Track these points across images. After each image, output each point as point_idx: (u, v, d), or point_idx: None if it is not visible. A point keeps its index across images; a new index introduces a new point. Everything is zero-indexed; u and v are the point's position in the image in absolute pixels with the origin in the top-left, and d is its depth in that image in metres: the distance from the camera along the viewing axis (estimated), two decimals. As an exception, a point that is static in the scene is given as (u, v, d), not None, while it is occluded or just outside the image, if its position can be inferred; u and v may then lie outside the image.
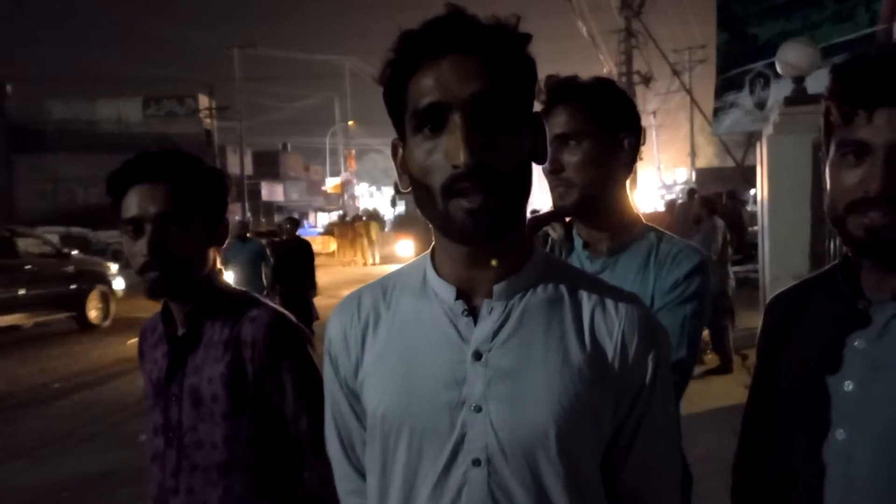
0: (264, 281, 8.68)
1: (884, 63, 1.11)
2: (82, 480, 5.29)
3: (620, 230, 1.73)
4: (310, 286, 8.95)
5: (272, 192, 47.06)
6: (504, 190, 0.99)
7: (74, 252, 13.30)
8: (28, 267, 11.64)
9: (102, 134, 36.51)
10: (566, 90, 1.70)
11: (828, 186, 1.19)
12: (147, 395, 1.69)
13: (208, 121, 39.71)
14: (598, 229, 1.74)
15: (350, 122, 53.93)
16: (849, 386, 1.15)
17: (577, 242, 1.78)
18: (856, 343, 1.17)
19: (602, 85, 1.74)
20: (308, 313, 8.40)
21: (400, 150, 1.09)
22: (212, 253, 1.66)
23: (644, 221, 1.78)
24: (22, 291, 11.35)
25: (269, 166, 48.74)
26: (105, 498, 4.98)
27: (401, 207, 24.72)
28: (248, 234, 9.40)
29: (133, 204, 1.56)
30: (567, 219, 1.82)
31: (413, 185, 1.06)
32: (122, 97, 40.79)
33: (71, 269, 12.41)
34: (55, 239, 14.39)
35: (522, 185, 1.03)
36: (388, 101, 1.07)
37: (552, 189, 1.72)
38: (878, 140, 1.10)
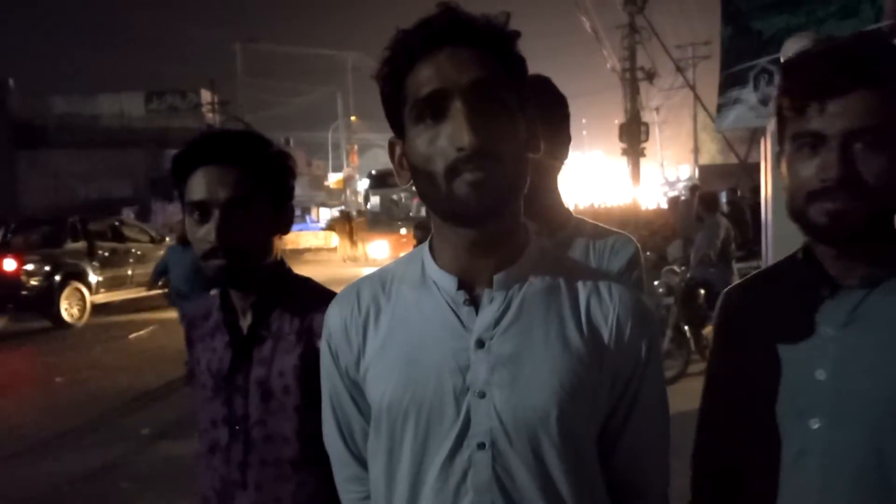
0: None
1: (831, 55, 1.15)
2: (85, 474, 5.31)
3: (555, 229, 1.72)
4: None
5: (274, 187, 46.95)
6: (505, 170, 1.04)
7: (167, 239, 14.39)
8: (134, 250, 14.06)
9: (104, 129, 36.52)
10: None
11: (786, 181, 1.21)
12: (203, 386, 1.63)
13: (211, 115, 39.71)
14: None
15: (353, 118, 54.00)
16: (821, 375, 1.16)
17: None
18: (825, 331, 1.18)
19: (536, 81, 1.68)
20: None
21: (398, 148, 1.13)
22: (277, 241, 1.62)
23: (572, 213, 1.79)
24: (130, 272, 13.76)
25: (271, 162, 48.56)
26: (106, 491, 5.00)
27: (375, 203, 21.33)
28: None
29: (200, 187, 1.50)
30: None
31: (415, 175, 1.09)
32: (123, 92, 40.79)
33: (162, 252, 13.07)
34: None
35: (521, 170, 1.08)
36: (386, 97, 1.10)
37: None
38: (832, 129, 1.12)
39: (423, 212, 18.46)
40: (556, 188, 1.76)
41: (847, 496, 1.13)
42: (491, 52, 1.05)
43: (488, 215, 1.05)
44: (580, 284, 1.15)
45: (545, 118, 1.68)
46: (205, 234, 1.50)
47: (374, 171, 22.03)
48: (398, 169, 1.14)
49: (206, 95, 40.05)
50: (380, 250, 20.26)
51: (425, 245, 1.18)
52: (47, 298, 12.04)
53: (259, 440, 1.54)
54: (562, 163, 1.75)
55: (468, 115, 1.01)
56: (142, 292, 13.65)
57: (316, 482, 1.50)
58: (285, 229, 1.63)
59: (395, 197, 20.72)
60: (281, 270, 1.63)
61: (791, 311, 1.24)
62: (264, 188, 1.55)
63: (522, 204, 1.12)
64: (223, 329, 1.61)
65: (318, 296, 1.58)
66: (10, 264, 11.81)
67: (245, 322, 1.60)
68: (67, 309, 12.33)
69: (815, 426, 1.15)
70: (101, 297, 13.25)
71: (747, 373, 1.26)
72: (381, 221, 20.72)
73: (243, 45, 39.15)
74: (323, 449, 1.49)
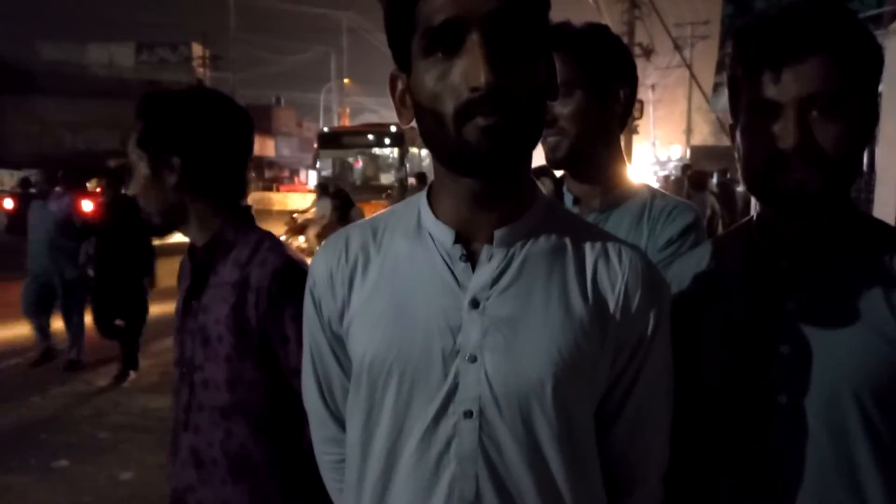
0: (81, 261, 6.59)
1: (785, 19, 1.12)
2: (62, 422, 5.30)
3: (613, 185, 1.67)
4: (142, 274, 6.32)
5: (263, 146, 46.64)
6: (522, 115, 0.93)
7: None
8: None
9: (92, 79, 35.95)
10: (558, 37, 1.59)
11: (741, 151, 1.18)
12: (173, 328, 1.71)
13: (201, 70, 39.19)
14: (590, 183, 1.68)
15: (346, 80, 53.38)
16: (785, 349, 1.14)
17: (567, 198, 1.72)
18: (786, 305, 1.15)
19: (595, 31, 1.66)
20: (137, 314, 6.34)
21: (400, 83, 1.02)
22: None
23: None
24: None
25: (261, 120, 48.24)
26: (85, 437, 4.99)
27: (326, 166, 18.05)
28: (57, 189, 6.88)
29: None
30: (558, 174, 1.76)
31: (419, 115, 0.98)
32: (113, 42, 40.17)
33: None
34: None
35: (538, 115, 0.97)
36: (391, 23, 0.98)
37: (543, 141, 1.64)
38: (787, 97, 1.10)
39: (384, 179, 17.10)
40: (619, 147, 1.71)
41: (812, 471, 1.11)
42: None
43: (499, 165, 0.94)
44: (588, 246, 1.05)
45: (622, 74, 1.64)
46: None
47: (325, 129, 19.97)
48: (399, 107, 1.03)
49: (197, 49, 39.49)
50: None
51: (423, 193, 1.09)
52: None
53: (199, 384, 1.56)
54: (627, 120, 1.70)
55: (486, 50, 0.89)
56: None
57: (242, 431, 1.52)
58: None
59: (349, 160, 18.06)
60: (241, 218, 1.65)
61: (750, 284, 1.21)
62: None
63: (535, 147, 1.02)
64: (188, 272, 1.66)
65: (265, 250, 1.57)
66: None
67: (196, 266, 1.64)
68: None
69: (783, 400, 1.14)
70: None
71: (706, 349, 1.23)
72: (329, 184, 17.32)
73: (236, 0, 38.49)
74: (250, 399, 1.52)
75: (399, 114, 1.03)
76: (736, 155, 1.22)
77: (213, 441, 1.54)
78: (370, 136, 17.77)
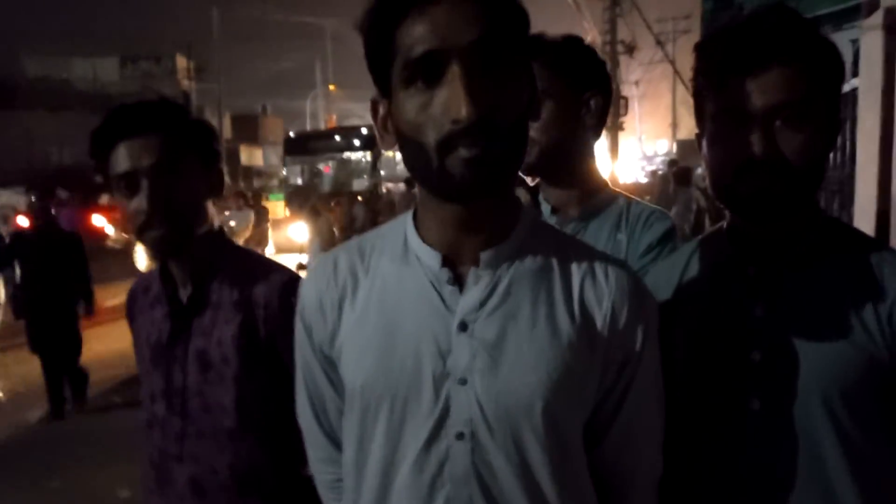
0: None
1: (748, 30, 1.13)
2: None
3: (589, 192, 1.70)
4: (76, 300, 5.87)
5: (251, 156, 46.53)
6: (504, 142, 0.93)
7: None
8: None
9: (77, 93, 35.78)
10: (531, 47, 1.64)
11: (708, 160, 1.20)
12: (142, 360, 1.61)
13: (186, 82, 39.06)
14: (565, 190, 1.70)
15: (331, 87, 53.27)
16: (756, 355, 1.15)
17: (545, 208, 1.74)
18: (755, 311, 1.17)
19: (567, 42, 1.69)
20: (70, 343, 5.84)
21: (381, 109, 1.02)
22: (210, 206, 1.57)
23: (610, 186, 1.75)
24: None
25: (248, 129, 48.12)
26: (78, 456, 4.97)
27: (294, 173, 16.99)
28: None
29: (124, 158, 1.45)
30: (532, 183, 1.78)
31: (401, 143, 0.99)
32: (97, 56, 40.03)
33: None
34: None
35: (521, 139, 0.98)
36: (371, 52, 0.98)
37: None
38: (753, 106, 1.11)
39: (356, 186, 15.73)
40: (592, 156, 1.73)
41: (784, 480, 1.13)
42: (494, 4, 0.93)
43: (483, 193, 0.95)
44: (574, 265, 1.06)
45: (595, 84, 1.66)
46: (136, 205, 1.45)
47: (292, 134, 18.77)
48: (381, 132, 1.03)
49: (181, 61, 39.36)
50: (298, 234, 14.49)
51: (409, 214, 1.09)
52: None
53: (196, 411, 1.51)
54: (601, 128, 1.73)
55: (467, 81, 0.89)
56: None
57: (253, 450, 1.51)
58: (217, 192, 1.60)
59: (319, 166, 17.02)
60: (219, 240, 1.60)
61: (721, 290, 1.23)
62: (190, 151, 1.52)
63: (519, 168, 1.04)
64: (163, 300, 1.58)
65: (257, 265, 1.57)
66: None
67: (185, 292, 1.56)
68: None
69: (756, 406, 1.15)
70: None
71: (681, 355, 1.24)
72: (302, 196, 15.86)
73: (220, 10, 38.39)
74: (261, 416, 1.50)
75: (381, 139, 1.04)
76: (703, 164, 1.24)
77: (220, 467, 1.50)
78: (340, 140, 16.82)
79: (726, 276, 1.23)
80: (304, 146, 17.00)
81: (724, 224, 1.29)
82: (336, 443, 1.16)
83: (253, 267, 1.56)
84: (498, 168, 0.94)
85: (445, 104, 0.91)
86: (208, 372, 1.51)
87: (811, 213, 1.21)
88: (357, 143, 16.45)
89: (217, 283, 1.55)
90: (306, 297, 1.14)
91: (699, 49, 1.19)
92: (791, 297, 1.16)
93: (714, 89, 1.16)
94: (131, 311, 1.68)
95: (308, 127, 53.66)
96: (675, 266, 1.35)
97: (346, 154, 17.01)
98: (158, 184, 1.44)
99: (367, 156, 16.41)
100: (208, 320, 1.53)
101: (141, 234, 1.48)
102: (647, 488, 1.14)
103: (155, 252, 1.52)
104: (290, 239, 13.19)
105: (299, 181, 16.64)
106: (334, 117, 50.54)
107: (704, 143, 1.21)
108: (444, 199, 0.99)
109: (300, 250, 10.99)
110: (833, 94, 1.17)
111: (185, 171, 1.49)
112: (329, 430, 1.18)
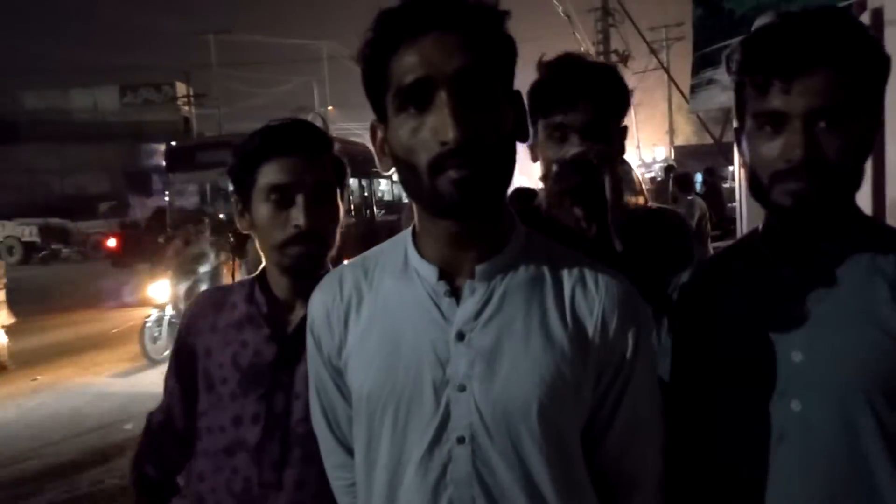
0: None
1: (793, 31, 1.12)
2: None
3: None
4: None
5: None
6: (491, 164, 1.00)
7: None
8: None
9: (78, 124, 36.02)
10: (581, 80, 1.57)
11: (747, 158, 1.20)
12: (222, 381, 1.51)
13: (186, 108, 39.29)
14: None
15: (329, 108, 53.58)
16: (797, 356, 1.16)
17: None
18: (795, 312, 1.17)
19: (609, 71, 1.65)
20: None
21: (379, 133, 1.09)
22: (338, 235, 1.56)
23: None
24: None
25: (248, 153, 48.16)
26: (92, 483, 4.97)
27: (179, 192, 12.67)
28: None
29: (283, 170, 1.46)
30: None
31: (397, 165, 1.06)
32: (97, 86, 40.25)
33: None
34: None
35: (508, 160, 1.04)
36: (368, 81, 1.06)
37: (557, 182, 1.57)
38: (795, 108, 1.11)
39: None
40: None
41: (825, 479, 1.13)
42: (479, 35, 0.99)
43: (473, 211, 1.01)
44: (566, 274, 1.11)
45: (619, 113, 1.62)
46: (290, 217, 1.45)
47: (173, 143, 13.95)
48: (380, 154, 1.09)
49: (181, 88, 39.60)
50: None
51: (408, 231, 1.15)
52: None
53: (302, 437, 1.43)
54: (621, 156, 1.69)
55: (453, 106, 0.96)
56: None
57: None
58: (338, 223, 1.58)
59: (215, 183, 11.98)
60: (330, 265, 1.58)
61: (759, 291, 1.23)
62: (336, 179, 1.55)
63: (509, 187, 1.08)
64: (258, 321, 1.52)
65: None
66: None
67: (295, 315, 1.51)
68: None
69: (797, 408, 1.15)
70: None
71: (718, 357, 1.25)
72: (189, 220, 10.72)
73: (216, 36, 38.69)
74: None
75: (379, 161, 1.10)
76: (741, 160, 1.23)
77: (327, 491, 1.35)
78: (224, 152, 9.21)
79: (763, 278, 1.23)
80: (190, 158, 12.02)
81: (760, 226, 1.29)
82: (348, 449, 1.21)
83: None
84: (486, 188, 1.00)
85: (434, 128, 0.97)
86: (304, 399, 1.42)
87: (848, 211, 1.20)
88: None
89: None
90: (315, 312, 1.20)
91: (744, 45, 1.18)
92: (829, 297, 1.16)
93: (757, 88, 1.14)
94: (196, 326, 1.58)
95: (307, 148, 53.30)
96: (712, 269, 1.36)
97: None
98: (316, 202, 1.47)
99: None
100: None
101: (284, 248, 1.47)
102: (649, 487, 1.17)
103: (294, 269, 1.49)
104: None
105: (187, 203, 12.49)
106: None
107: (744, 140, 1.21)
108: (438, 217, 1.05)
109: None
110: (876, 96, 1.16)
111: (333, 199, 1.53)
112: (341, 437, 1.23)
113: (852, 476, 1.12)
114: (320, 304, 1.19)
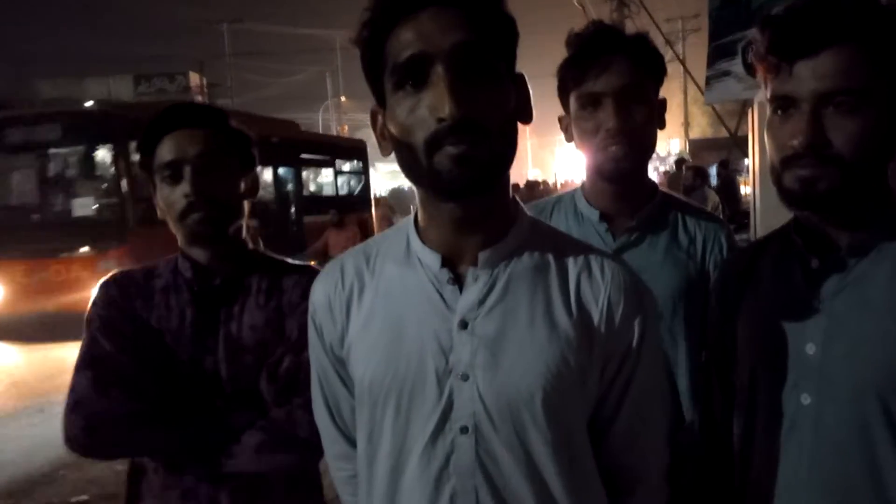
0: None
1: (803, 14, 1.09)
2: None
3: (643, 200, 1.66)
4: None
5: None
6: (490, 143, 0.97)
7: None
8: None
9: (92, 113, 36.11)
10: (621, 40, 1.57)
11: (767, 146, 1.18)
12: (152, 346, 1.53)
13: (200, 98, 39.40)
14: (620, 197, 1.65)
15: (342, 98, 53.53)
16: (811, 349, 1.14)
17: (592, 213, 1.67)
18: (814, 303, 1.15)
19: (645, 40, 1.63)
20: None
21: (379, 118, 1.07)
22: (245, 206, 1.63)
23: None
24: None
25: (261, 143, 48.33)
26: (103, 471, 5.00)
27: None
28: None
29: (170, 148, 1.53)
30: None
31: (395, 146, 1.03)
32: (111, 76, 40.43)
33: None
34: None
35: (509, 141, 1.01)
36: (367, 62, 1.04)
37: (605, 149, 1.55)
38: (802, 92, 1.09)
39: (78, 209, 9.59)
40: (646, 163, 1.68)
41: (833, 473, 1.11)
42: (478, 12, 0.97)
43: (473, 191, 0.98)
44: (570, 262, 1.09)
45: (655, 76, 1.60)
46: (180, 191, 1.52)
47: None
48: (380, 140, 1.07)
49: (194, 78, 39.72)
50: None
51: (410, 218, 1.13)
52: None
53: (230, 398, 1.51)
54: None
55: (450, 81, 0.94)
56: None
57: None
58: (252, 194, 1.66)
59: (27, 169, 9.87)
60: (245, 246, 1.66)
61: (782, 282, 1.22)
62: (231, 151, 1.60)
63: (510, 170, 1.06)
64: (181, 288, 1.58)
65: (286, 264, 1.65)
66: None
67: (218, 280, 1.59)
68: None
69: (807, 401, 1.14)
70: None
71: (739, 345, 1.25)
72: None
73: (230, 26, 38.74)
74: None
75: (380, 146, 1.08)
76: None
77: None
78: (51, 128, 9.40)
79: (791, 267, 1.21)
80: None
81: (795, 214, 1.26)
82: (350, 440, 1.20)
83: (280, 264, 1.65)
84: (485, 166, 0.97)
85: (431, 104, 0.95)
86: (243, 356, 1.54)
87: (878, 202, 1.15)
88: (81, 132, 9.34)
89: (248, 277, 1.60)
90: (316, 300, 1.18)
91: (759, 30, 1.16)
92: (851, 290, 1.13)
93: (771, 72, 1.13)
94: (124, 301, 1.58)
95: (320, 139, 53.63)
96: (744, 259, 1.35)
97: (59, 150, 9.79)
98: (200, 171, 1.52)
99: (101, 153, 9.58)
100: (238, 308, 1.58)
101: (183, 219, 1.53)
102: (655, 479, 1.16)
103: (195, 235, 1.56)
104: None
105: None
106: (346, 127, 50.74)
107: (766, 129, 1.19)
108: (439, 199, 1.03)
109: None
110: None
111: (226, 166, 1.57)
112: (343, 427, 1.22)
113: (860, 472, 1.11)
114: (322, 292, 1.17)
